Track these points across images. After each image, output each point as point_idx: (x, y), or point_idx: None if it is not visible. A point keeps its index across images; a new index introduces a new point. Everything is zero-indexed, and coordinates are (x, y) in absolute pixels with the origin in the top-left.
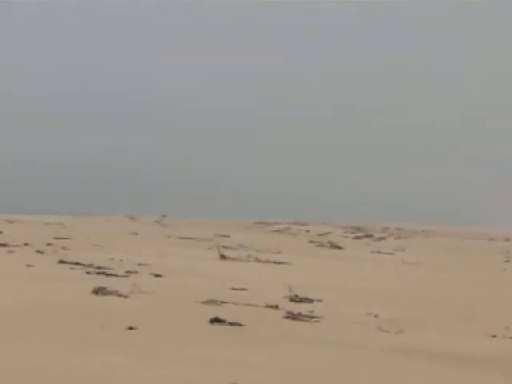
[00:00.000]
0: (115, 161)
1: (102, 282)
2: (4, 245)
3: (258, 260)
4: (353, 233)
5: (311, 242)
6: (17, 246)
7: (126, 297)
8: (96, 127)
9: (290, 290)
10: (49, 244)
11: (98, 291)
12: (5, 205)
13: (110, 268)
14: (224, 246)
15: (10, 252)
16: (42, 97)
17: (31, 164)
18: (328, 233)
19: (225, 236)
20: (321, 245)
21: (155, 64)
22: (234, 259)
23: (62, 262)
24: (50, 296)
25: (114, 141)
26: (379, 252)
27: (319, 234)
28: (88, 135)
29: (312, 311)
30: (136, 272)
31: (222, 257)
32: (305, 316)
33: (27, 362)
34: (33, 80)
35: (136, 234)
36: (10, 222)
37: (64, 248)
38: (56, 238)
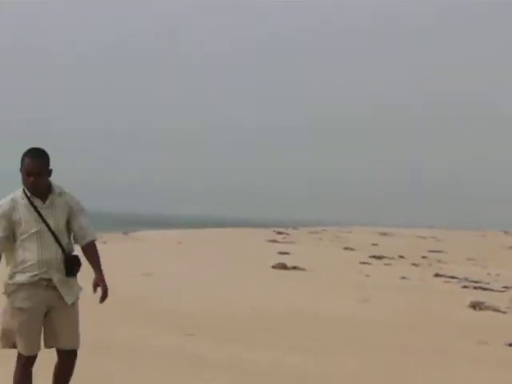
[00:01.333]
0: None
1: (479, 296)
2: (380, 257)
3: None
4: None
5: None
6: (392, 258)
7: (504, 312)
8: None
9: None
10: (424, 257)
11: (476, 306)
12: (375, 219)
13: (486, 282)
14: None
15: (387, 264)
16: None
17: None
18: None
19: None
20: None
21: None
22: None
23: (437, 275)
24: (423, 308)
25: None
26: None
27: None
28: None
29: None
30: None
31: None
32: None
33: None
34: None
35: (511, 248)
36: (383, 234)
37: (439, 261)
38: (430, 251)
